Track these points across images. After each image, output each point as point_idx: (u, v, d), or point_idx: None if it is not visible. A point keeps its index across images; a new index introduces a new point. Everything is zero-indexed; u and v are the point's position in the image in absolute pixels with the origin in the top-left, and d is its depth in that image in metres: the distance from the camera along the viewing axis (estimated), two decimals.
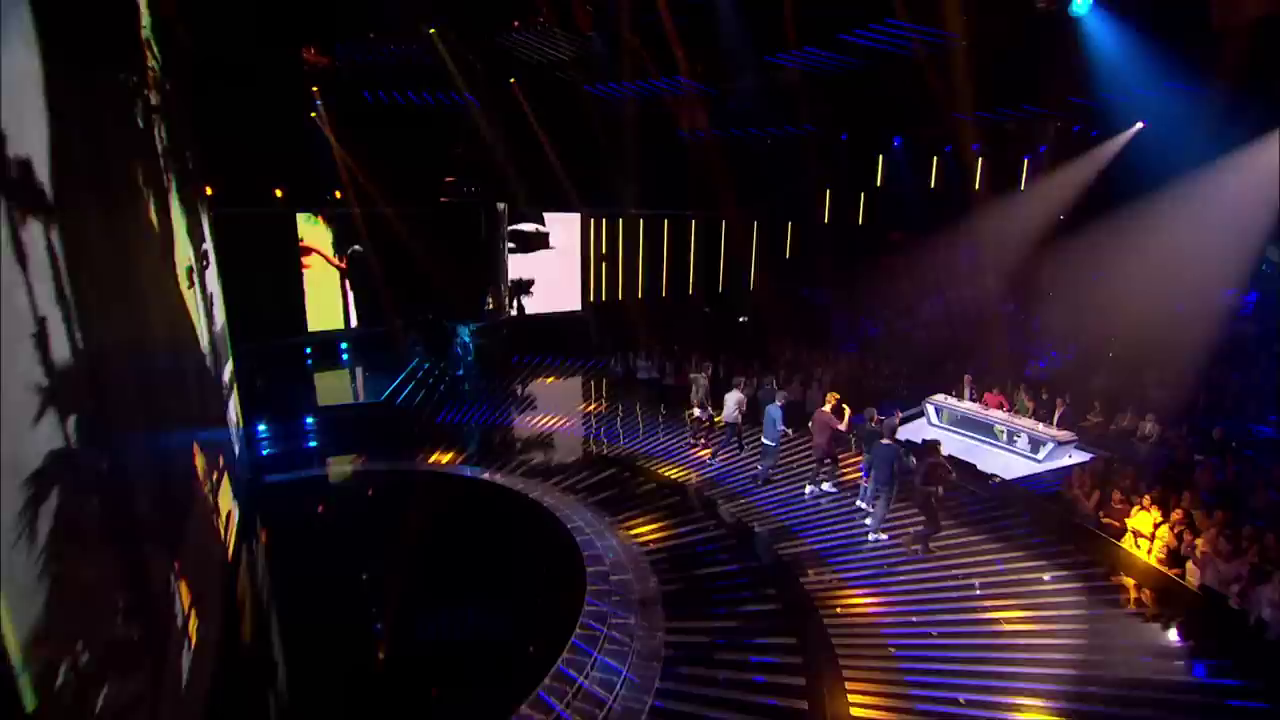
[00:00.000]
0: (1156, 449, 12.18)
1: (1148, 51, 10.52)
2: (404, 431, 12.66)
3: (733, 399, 11.33)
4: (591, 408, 14.87)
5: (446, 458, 11.41)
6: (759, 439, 10.65)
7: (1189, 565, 7.97)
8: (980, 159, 20.98)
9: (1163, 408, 12.70)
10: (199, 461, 6.25)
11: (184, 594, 4.91)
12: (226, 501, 7.41)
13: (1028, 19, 10.42)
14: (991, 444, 12.45)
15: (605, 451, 11.98)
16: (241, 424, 10.03)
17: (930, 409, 13.86)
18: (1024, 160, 19.95)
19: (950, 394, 13.88)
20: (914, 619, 7.18)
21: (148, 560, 4.27)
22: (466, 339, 15.58)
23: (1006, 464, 11.73)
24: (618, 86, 15.27)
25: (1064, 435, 11.89)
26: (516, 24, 13.27)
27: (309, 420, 12.84)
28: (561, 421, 13.73)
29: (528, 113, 16.18)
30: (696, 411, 12.18)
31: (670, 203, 20.42)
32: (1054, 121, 16.80)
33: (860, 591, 7.69)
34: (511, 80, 15.77)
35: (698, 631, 6.90)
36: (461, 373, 15.11)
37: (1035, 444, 11.93)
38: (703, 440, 12.16)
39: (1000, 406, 13.08)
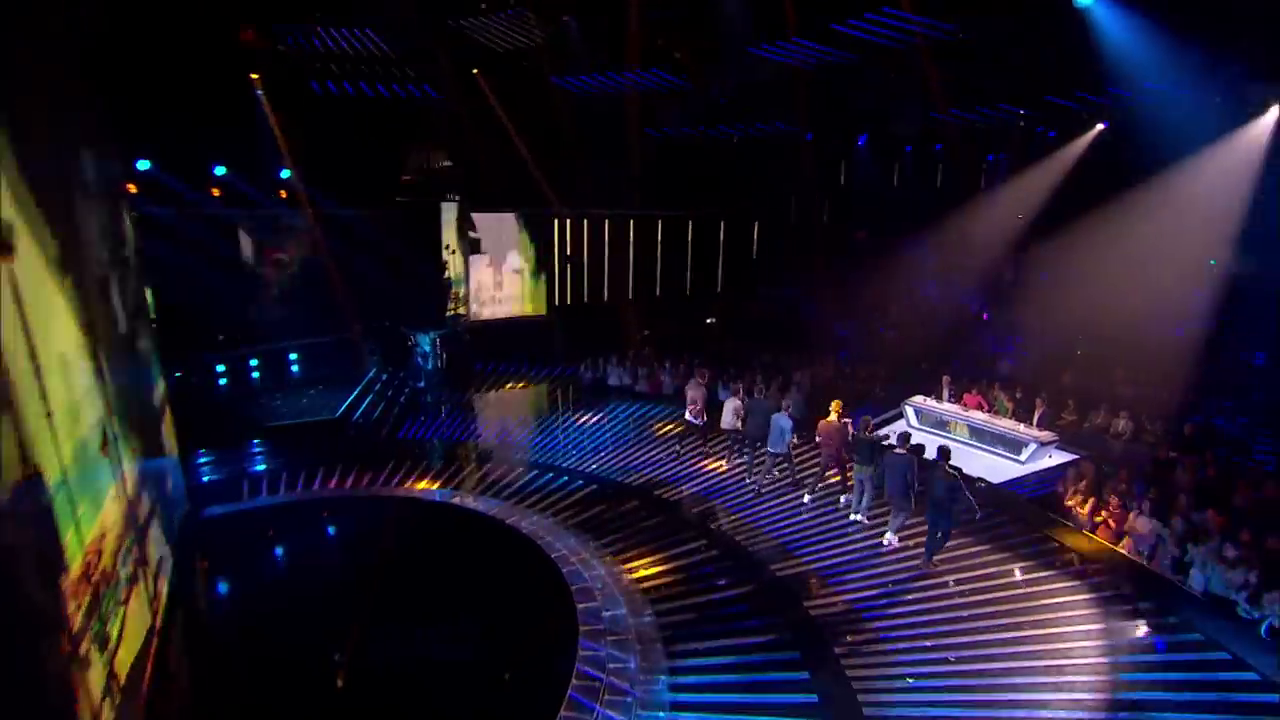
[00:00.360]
0: (1130, 445, 12.27)
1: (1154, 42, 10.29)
2: (363, 450, 11.70)
3: (730, 406, 10.98)
4: (563, 417, 14.13)
5: (410, 479, 10.54)
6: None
7: (1192, 572, 7.82)
8: (941, 160, 21.17)
9: (1133, 405, 12.84)
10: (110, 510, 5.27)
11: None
12: (155, 549, 6.44)
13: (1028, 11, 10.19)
14: (974, 446, 12.29)
15: (582, 466, 11.31)
16: (177, 451, 8.95)
17: (910, 411, 13.66)
18: (987, 161, 20.07)
19: (928, 395, 13.71)
20: (928, 644, 6.78)
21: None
22: (427, 348, 14.64)
23: (991, 466, 11.55)
24: (589, 79, 14.53)
25: (1045, 435, 11.81)
26: (484, 4, 12.27)
27: (256, 443, 11.75)
28: (531, 433, 12.99)
29: (494, 106, 15.30)
30: (690, 417, 11.63)
31: (637, 202, 19.82)
32: (1019, 122, 16.85)
33: (868, 614, 7.26)
34: (475, 71, 14.85)
35: (702, 670, 6.33)
36: (423, 383, 14.18)
37: (1017, 445, 11.82)
38: (707, 450, 11.68)
39: (980, 407, 12.95)
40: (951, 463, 8.25)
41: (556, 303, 19.09)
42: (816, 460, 10.41)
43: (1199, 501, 8.69)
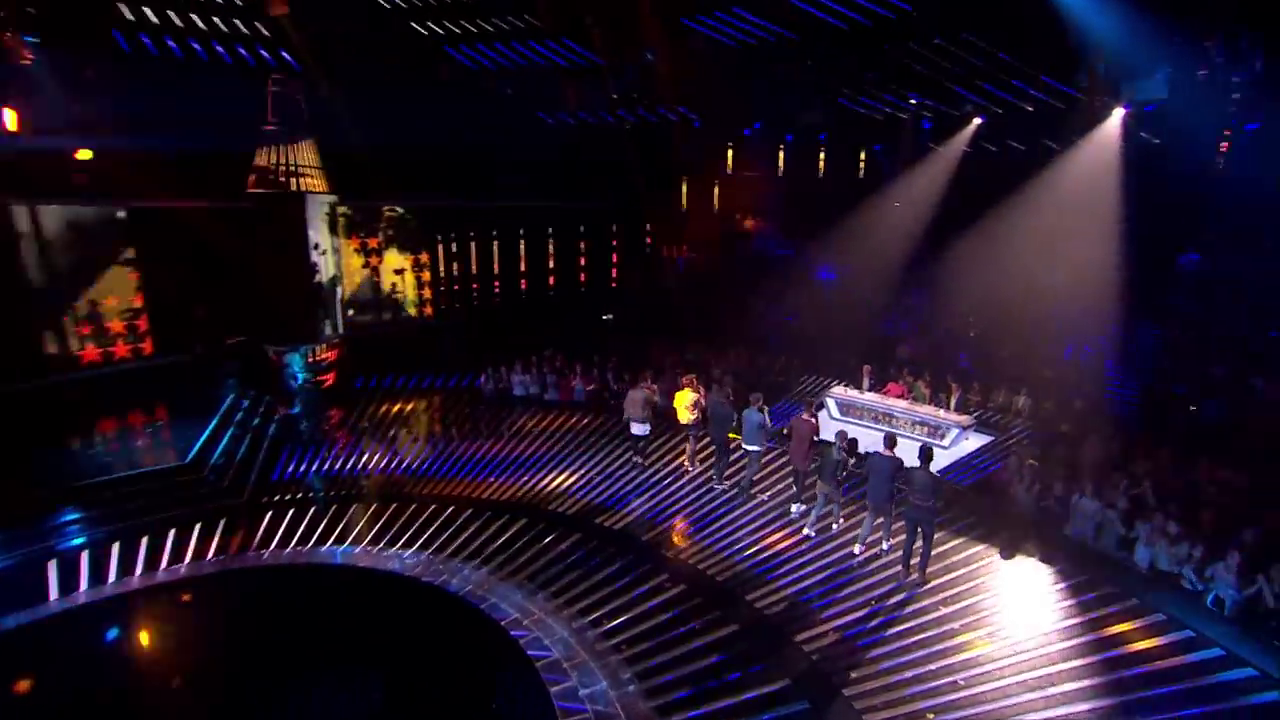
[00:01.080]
0: (1029, 422, 12.97)
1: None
2: (228, 503, 9.49)
3: (686, 400, 10.38)
4: (469, 436, 12.49)
5: (295, 536, 8.60)
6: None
7: (1137, 549, 8.05)
8: (823, 149, 21.60)
9: (1022, 383, 13.63)
10: None
11: None
12: None
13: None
14: (900, 435, 12.33)
15: (504, 494, 9.91)
16: None
17: (831, 402, 13.54)
18: (874, 151, 20.61)
19: (847, 385, 13.68)
20: (933, 667, 6.30)
21: None
22: (299, 366, 12.35)
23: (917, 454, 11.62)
24: (486, 50, 12.77)
25: (964, 419, 12.08)
26: None
27: (68, 510, 8.94)
28: (435, 458, 11.30)
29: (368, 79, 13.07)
30: (635, 429, 10.58)
31: (528, 194, 18.26)
32: (902, 114, 17.35)
33: (862, 641, 6.68)
34: (343, 36, 12.54)
35: None
36: (297, 409, 11.91)
37: (941, 431, 11.98)
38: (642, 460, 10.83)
39: (902, 397, 13.06)
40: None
41: (444, 306, 17.15)
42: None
43: (1113, 474, 9.11)
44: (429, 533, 8.71)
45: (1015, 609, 7.24)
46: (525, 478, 10.48)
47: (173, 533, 8.52)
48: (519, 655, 6.15)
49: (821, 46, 11.65)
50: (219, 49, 11.82)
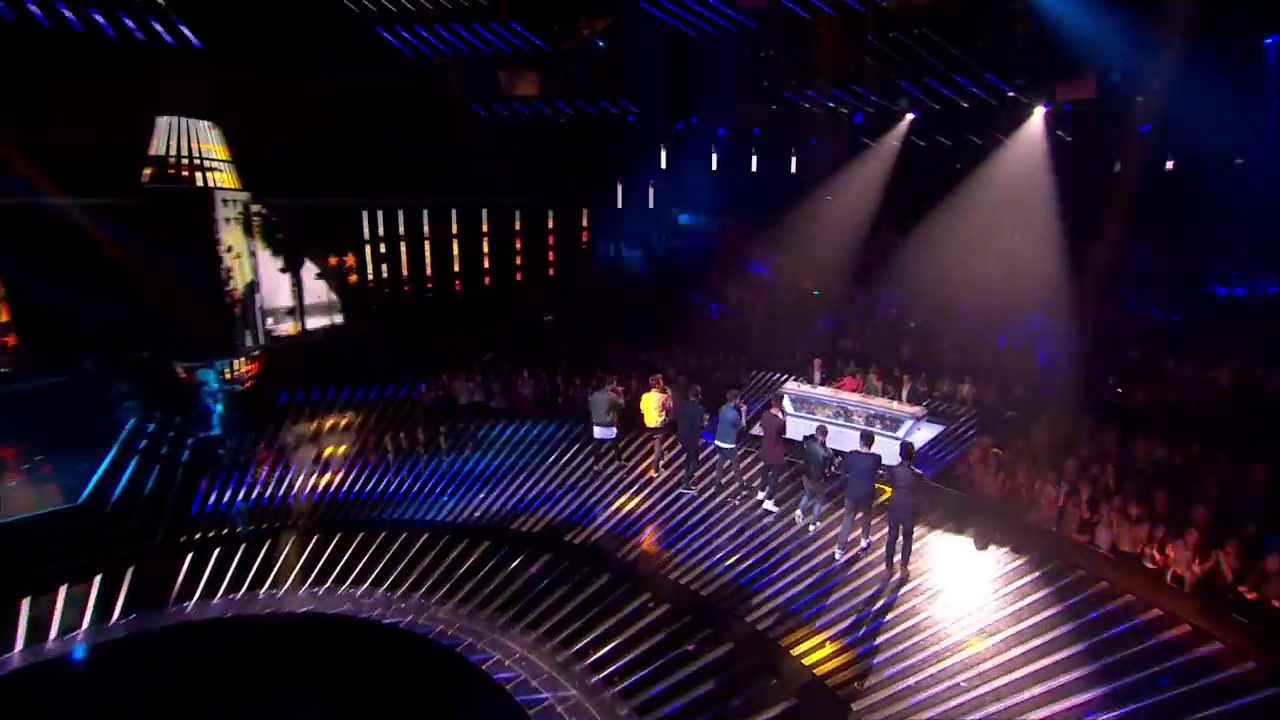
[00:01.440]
0: (975, 410, 13.37)
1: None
2: (134, 549, 8.24)
3: (654, 402, 9.91)
4: (415, 450, 11.57)
5: (222, 583, 7.57)
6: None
7: (1098, 531, 8.30)
8: (755, 145, 21.69)
9: (965, 371, 14.06)
10: None
11: None
12: None
13: None
14: (855, 428, 12.40)
15: (460, 515, 9.18)
16: None
17: (785, 398, 13.48)
18: (808, 144, 20.80)
19: (800, 380, 13.66)
20: (933, 671, 6.18)
21: None
22: (215, 383, 11.04)
23: (876, 448, 11.69)
24: (425, 34, 11.74)
25: (918, 410, 12.27)
26: None
27: None
28: (378, 478, 10.37)
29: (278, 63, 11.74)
30: (600, 432, 10.06)
31: (462, 189, 17.25)
32: (840, 109, 17.58)
33: (861, 649, 6.49)
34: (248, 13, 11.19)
35: None
36: (216, 430, 10.62)
37: (895, 423, 12.11)
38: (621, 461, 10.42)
39: (855, 390, 13.14)
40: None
41: (375, 309, 15.92)
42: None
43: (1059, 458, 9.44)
44: (381, 565, 7.90)
45: (1001, 604, 7.26)
46: (480, 495, 9.77)
47: (64, 590, 7.24)
48: (509, 703, 5.51)
49: (770, 37, 11.49)
50: (97, 18, 10.21)
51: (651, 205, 23.41)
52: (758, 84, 15.05)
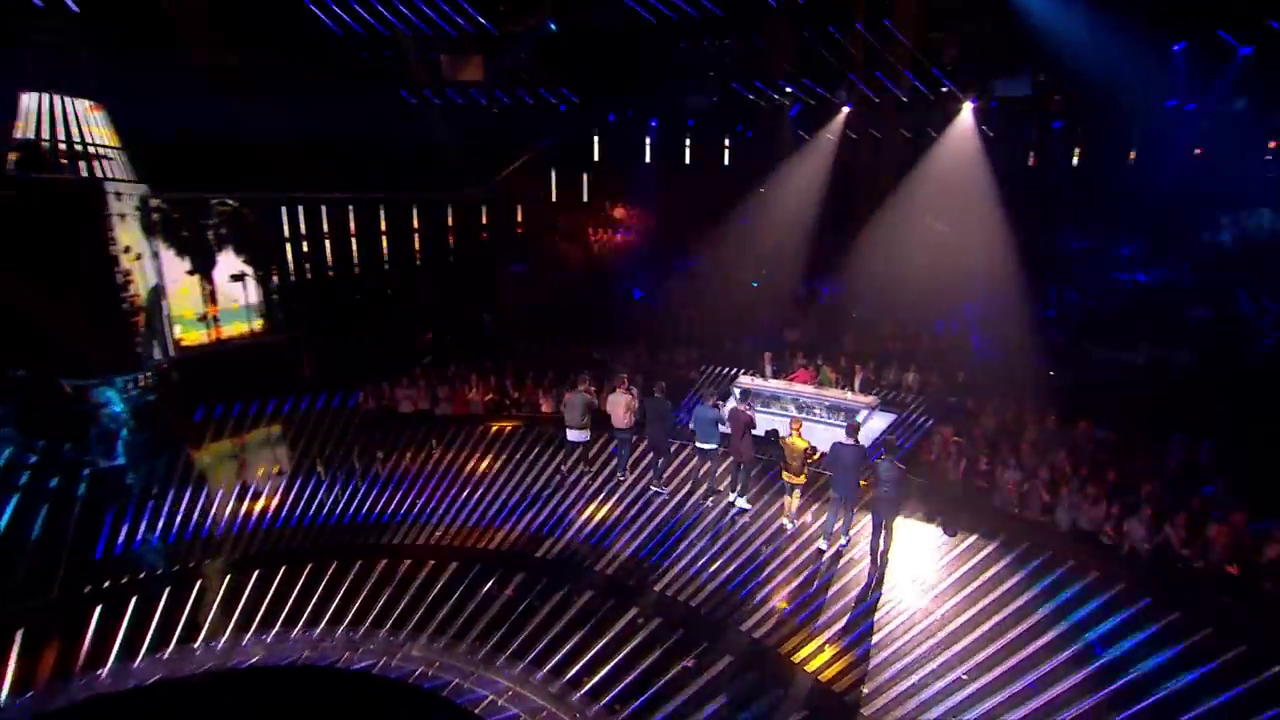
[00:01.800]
0: (919, 395, 13.78)
1: None
2: (26, 605, 7.05)
3: (620, 403, 9.46)
4: (353, 464, 10.63)
5: (144, 638, 6.57)
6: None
7: (1057, 512, 8.62)
8: (689, 135, 21.55)
9: (909, 358, 14.49)
10: None
11: None
12: None
13: None
14: (812, 420, 12.45)
15: (415, 536, 8.46)
16: None
17: (737, 392, 13.40)
18: (739, 133, 20.79)
19: (752, 374, 13.63)
20: (933, 666, 6.15)
21: None
22: (119, 403, 9.69)
23: (832, 438, 11.77)
24: (361, 10, 10.65)
25: (872, 400, 12.46)
26: None
27: None
28: (316, 500, 9.43)
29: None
30: (574, 435, 9.54)
31: (391, 182, 16.11)
32: (780, 100, 17.63)
33: (859, 650, 6.38)
34: None
35: None
36: (121, 459, 9.31)
37: (851, 413, 12.24)
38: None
39: (808, 382, 13.21)
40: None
41: (300, 313, 14.59)
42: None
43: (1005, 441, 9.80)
44: (337, 599, 7.11)
45: (988, 592, 7.34)
46: (437, 511, 9.06)
47: None
48: None
49: (721, 26, 11.25)
50: None
51: (585, 199, 22.89)
52: (703, 74, 14.83)
